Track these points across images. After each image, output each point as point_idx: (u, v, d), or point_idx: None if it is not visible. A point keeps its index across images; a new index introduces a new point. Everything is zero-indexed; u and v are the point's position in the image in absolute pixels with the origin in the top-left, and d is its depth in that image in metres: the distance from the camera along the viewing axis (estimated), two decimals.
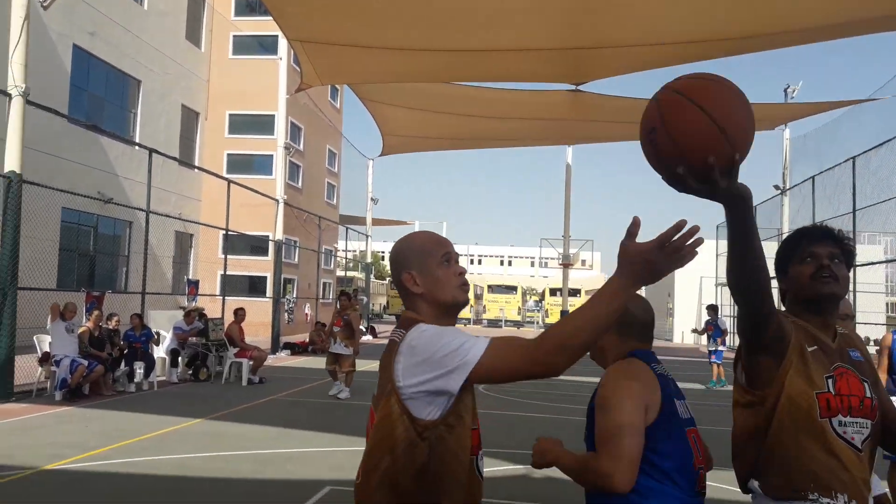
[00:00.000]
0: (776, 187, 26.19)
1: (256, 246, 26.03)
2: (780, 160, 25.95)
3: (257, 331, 19.38)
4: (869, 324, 29.82)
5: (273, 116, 25.65)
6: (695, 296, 37.95)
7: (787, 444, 1.98)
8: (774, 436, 2.00)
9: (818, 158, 22.47)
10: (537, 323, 48.12)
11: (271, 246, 21.76)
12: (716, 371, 15.72)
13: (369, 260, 34.04)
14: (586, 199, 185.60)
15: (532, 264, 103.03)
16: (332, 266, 33.25)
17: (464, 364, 1.69)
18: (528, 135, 22.52)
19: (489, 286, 47.90)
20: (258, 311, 21.27)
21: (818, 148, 23.10)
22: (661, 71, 14.21)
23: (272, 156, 25.19)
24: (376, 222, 35.30)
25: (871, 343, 36.33)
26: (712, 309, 16.97)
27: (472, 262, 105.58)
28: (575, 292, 42.04)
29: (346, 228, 33.37)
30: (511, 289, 47.16)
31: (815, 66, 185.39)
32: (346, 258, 33.00)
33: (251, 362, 12.52)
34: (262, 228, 22.99)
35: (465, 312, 42.49)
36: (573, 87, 15.66)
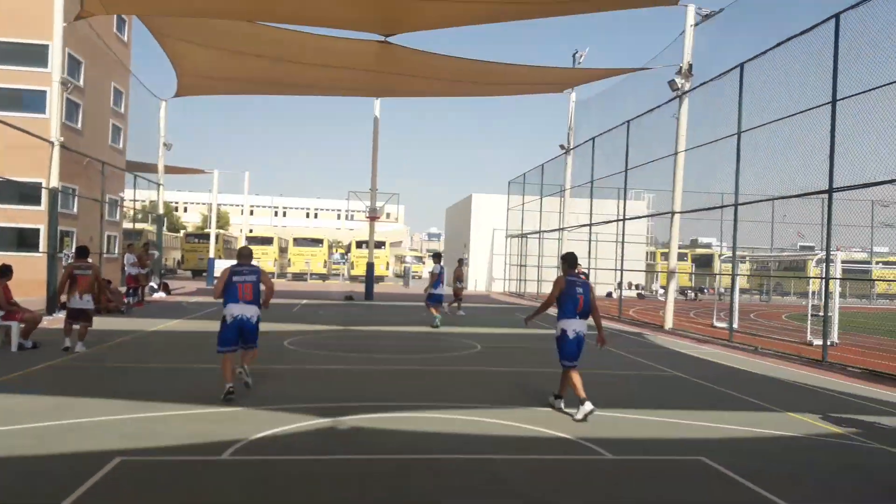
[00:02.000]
0: (561, 147, 28.50)
1: (27, 194, 23.06)
2: (566, 121, 28.24)
3: (29, 290, 17.33)
4: (633, 270, 33.98)
5: (46, 47, 22.61)
6: (488, 247, 40.54)
7: None
8: None
9: (599, 121, 24.76)
10: (343, 275, 48.26)
11: (45, 194, 19.42)
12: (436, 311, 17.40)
13: (161, 211, 31.65)
14: (393, 152, 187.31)
15: (339, 217, 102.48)
16: (117, 217, 30.48)
17: None
18: (335, 84, 22.15)
19: (295, 239, 46.96)
20: (30, 268, 19.01)
21: (599, 111, 25.42)
22: (470, 29, 14.66)
23: (45, 92, 22.22)
24: (169, 170, 32.82)
25: (634, 287, 41.05)
26: (437, 257, 18.85)
27: (276, 214, 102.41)
28: (380, 244, 42.72)
29: (135, 176, 30.64)
30: (317, 242, 46.64)
31: (602, 34, 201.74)
32: (134, 209, 30.39)
33: (22, 325, 11.23)
34: (34, 174, 20.42)
35: (269, 266, 41.38)
36: (382, 39, 15.67)
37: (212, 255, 35.96)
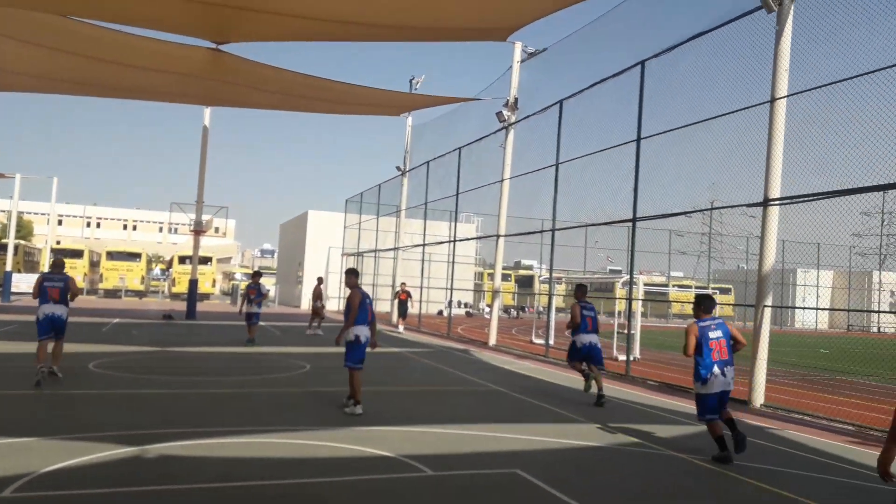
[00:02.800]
0: (398, 168, 29.03)
1: None
2: (403, 144, 28.84)
3: None
4: (462, 289, 35.26)
5: None
6: (323, 265, 40.03)
7: None
8: None
9: (433, 146, 25.55)
10: (163, 292, 45.18)
11: None
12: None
13: None
14: (224, 164, 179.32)
15: (161, 230, 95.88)
16: None
17: None
18: (161, 89, 20.84)
19: (108, 253, 43.24)
20: None
21: (434, 136, 26.25)
22: (307, 45, 14.56)
23: None
24: None
25: (463, 306, 42.43)
26: (256, 275, 18.41)
27: (88, 224, 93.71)
28: (206, 260, 40.57)
29: None
30: (135, 256, 43.27)
31: (437, 63, 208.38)
32: None
33: None
34: None
35: (79, 282, 37.66)
36: (213, 46, 15.05)
37: (9, 267, 32.10)
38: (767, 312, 11.21)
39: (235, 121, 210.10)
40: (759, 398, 11.07)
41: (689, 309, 10.25)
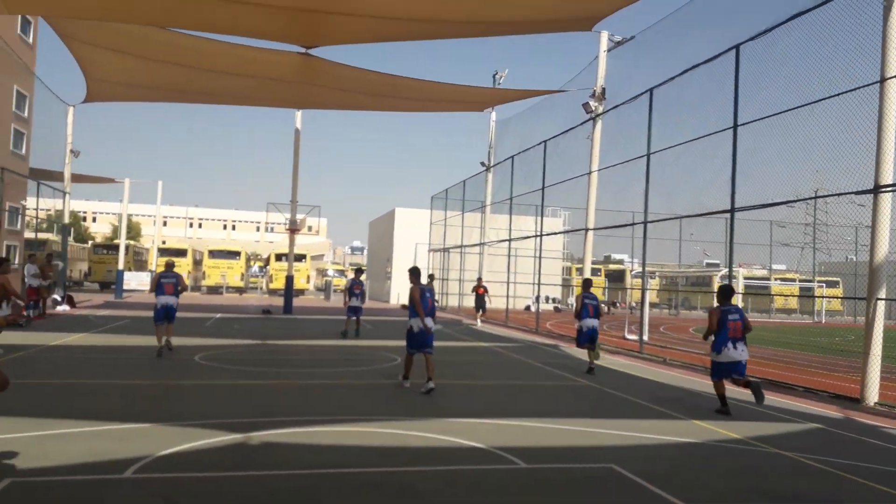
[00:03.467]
0: (482, 164, 29.05)
1: None
2: (487, 140, 28.83)
3: None
4: (550, 284, 34.90)
5: None
6: (410, 261, 40.59)
7: None
8: None
9: (519, 140, 25.39)
10: (261, 289, 47.15)
11: None
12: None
13: (67, 220, 30.06)
14: (315, 165, 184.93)
15: (258, 229, 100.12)
16: (18, 226, 28.74)
17: None
18: (254, 95, 21.79)
19: (210, 251, 45.56)
20: None
21: (518, 130, 26.09)
22: (391, 45, 14.81)
23: None
24: (77, 178, 31.26)
25: (551, 301, 41.97)
26: (359, 272, 18.86)
27: (191, 225, 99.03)
28: (301, 257, 42.04)
29: (38, 183, 29.03)
30: (234, 254, 45.40)
31: (520, 56, 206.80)
32: (37, 217, 28.73)
33: None
34: None
35: (185, 279, 39.88)
36: (303, 51, 15.57)
37: (121, 266, 34.38)
38: (881, 306, 10.49)
39: (325, 122, 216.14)
40: (872, 396, 10.39)
41: (793, 303, 10.25)
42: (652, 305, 21.95)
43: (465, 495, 5.39)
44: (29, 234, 30.22)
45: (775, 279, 36.47)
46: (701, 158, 14.88)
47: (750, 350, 9.52)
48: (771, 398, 10.85)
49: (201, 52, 16.33)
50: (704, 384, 12.28)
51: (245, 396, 9.16)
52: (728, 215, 13.66)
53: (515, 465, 6.21)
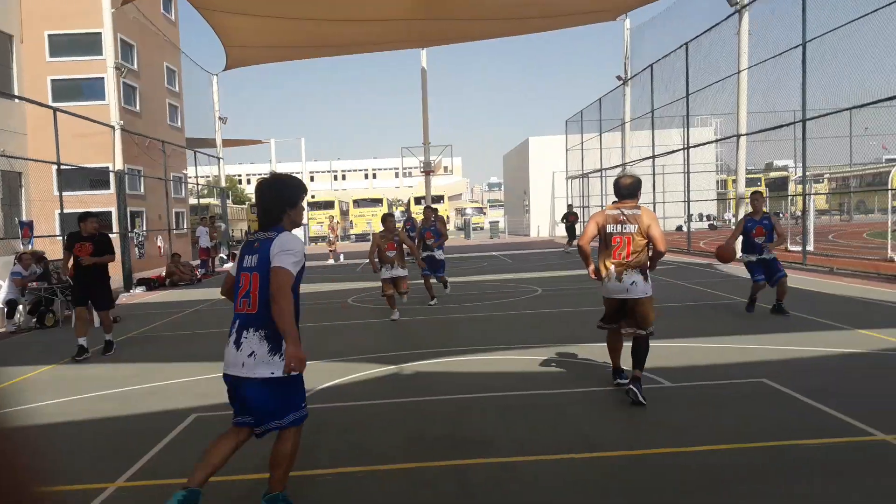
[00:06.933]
0: (618, 78, 27.32)
1: (97, 179, 23.95)
2: (622, 51, 27.00)
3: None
4: (701, 200, 32.78)
5: (99, 34, 23.07)
6: (548, 191, 39.77)
7: None
8: None
9: (656, 47, 23.55)
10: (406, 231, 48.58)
11: (112, 178, 20.12)
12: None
13: (224, 184, 32.40)
14: (444, 104, 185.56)
15: (396, 175, 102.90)
16: (183, 194, 31.40)
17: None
18: (377, 39, 21.85)
19: (354, 201, 47.45)
20: None
21: (655, 37, 24.16)
22: None
23: (102, 78, 22.80)
24: (228, 143, 33.46)
25: (705, 219, 39.49)
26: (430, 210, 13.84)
27: (335, 178, 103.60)
28: (438, 199, 42.63)
29: (195, 152, 31.41)
30: (376, 201, 47.01)
31: None
32: (197, 184, 31.21)
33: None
34: (101, 160, 21.11)
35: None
36: None
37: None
38: None
39: (448, 59, 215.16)
40: None
41: None
42: (820, 213, 19.87)
43: (607, 412, 5.30)
44: (193, 201, 32.98)
45: None
46: (869, 41, 12.99)
47: None
48: None
49: (321, 3, 16.54)
50: (875, 291, 11.04)
51: (395, 333, 9.46)
52: None
53: (660, 385, 5.95)
